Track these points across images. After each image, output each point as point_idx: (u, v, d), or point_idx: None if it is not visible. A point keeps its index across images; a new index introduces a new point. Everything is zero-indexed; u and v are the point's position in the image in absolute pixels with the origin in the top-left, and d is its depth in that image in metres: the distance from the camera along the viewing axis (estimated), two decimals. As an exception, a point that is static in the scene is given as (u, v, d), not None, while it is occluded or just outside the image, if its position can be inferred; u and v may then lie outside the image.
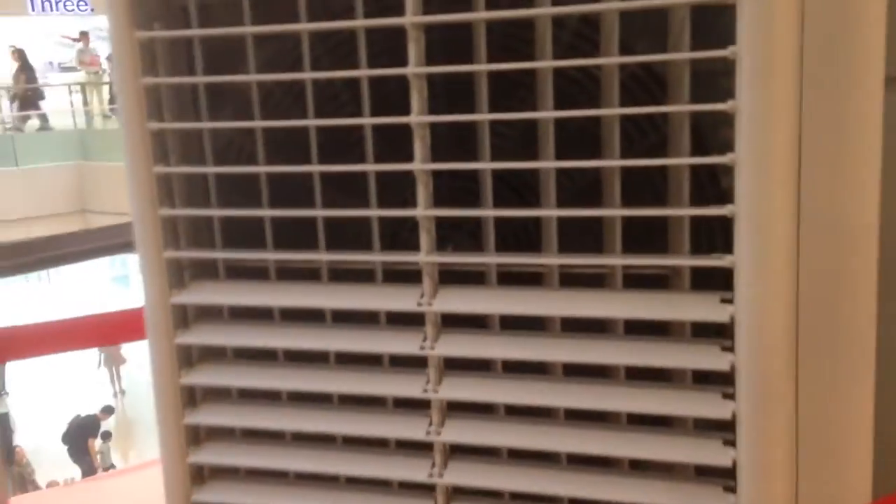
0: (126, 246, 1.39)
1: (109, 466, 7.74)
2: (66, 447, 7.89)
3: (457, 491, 0.70)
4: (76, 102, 13.06)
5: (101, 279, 11.73)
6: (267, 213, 0.69)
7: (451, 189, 0.71)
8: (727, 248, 0.62)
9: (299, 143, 0.69)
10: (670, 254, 0.63)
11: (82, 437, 7.86)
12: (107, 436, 8.06)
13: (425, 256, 0.66)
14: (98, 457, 7.92)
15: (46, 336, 1.05)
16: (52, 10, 14.78)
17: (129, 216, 0.71)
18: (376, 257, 0.68)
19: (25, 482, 7.24)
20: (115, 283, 12.15)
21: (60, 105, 13.00)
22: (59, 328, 1.07)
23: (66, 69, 14.64)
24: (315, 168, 0.67)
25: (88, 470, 7.51)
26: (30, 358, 1.05)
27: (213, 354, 0.74)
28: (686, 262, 0.60)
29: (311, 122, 0.66)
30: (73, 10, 14.85)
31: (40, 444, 8.30)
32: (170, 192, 0.70)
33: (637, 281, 0.64)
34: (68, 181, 11.88)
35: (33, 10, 14.62)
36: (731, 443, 0.62)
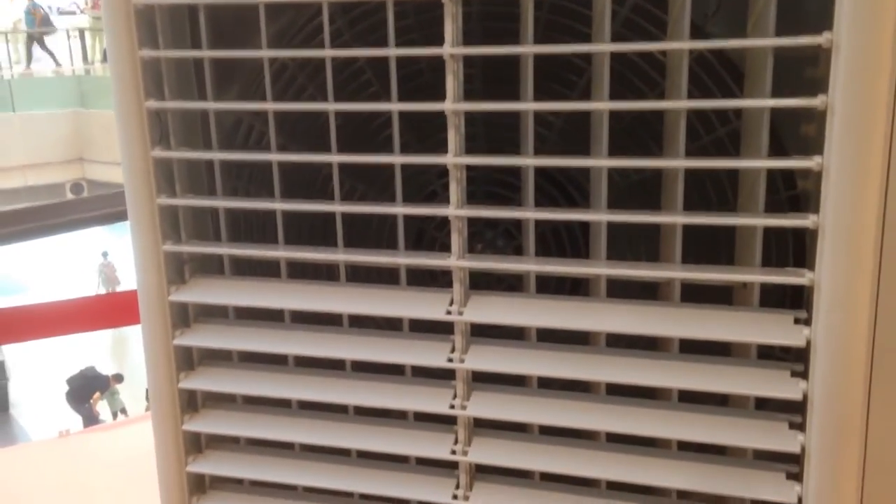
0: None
1: (121, 411, 7.68)
2: (66, 394, 7.86)
3: (480, 470, 0.63)
4: (75, 49, 12.84)
5: (118, 258, 11.55)
6: (278, 205, 0.61)
7: (486, 180, 0.63)
8: (799, 261, 0.55)
9: (316, 126, 0.61)
10: (737, 265, 0.55)
11: (88, 389, 7.81)
12: (119, 378, 7.95)
13: (456, 261, 0.58)
14: (106, 402, 7.85)
15: (47, 318, 0.99)
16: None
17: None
18: (401, 259, 0.60)
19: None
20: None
21: (59, 51, 12.78)
22: (50, 311, 1.00)
23: (64, 13, 14.37)
24: (334, 158, 0.59)
25: (88, 419, 7.50)
26: (28, 341, 0.99)
27: (217, 356, 0.67)
28: (759, 277, 0.53)
29: (331, 107, 0.58)
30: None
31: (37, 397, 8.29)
32: (170, 178, 0.62)
33: (696, 290, 0.57)
34: (66, 128, 11.72)
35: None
36: (796, 476, 0.55)
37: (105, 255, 10.13)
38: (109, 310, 1.04)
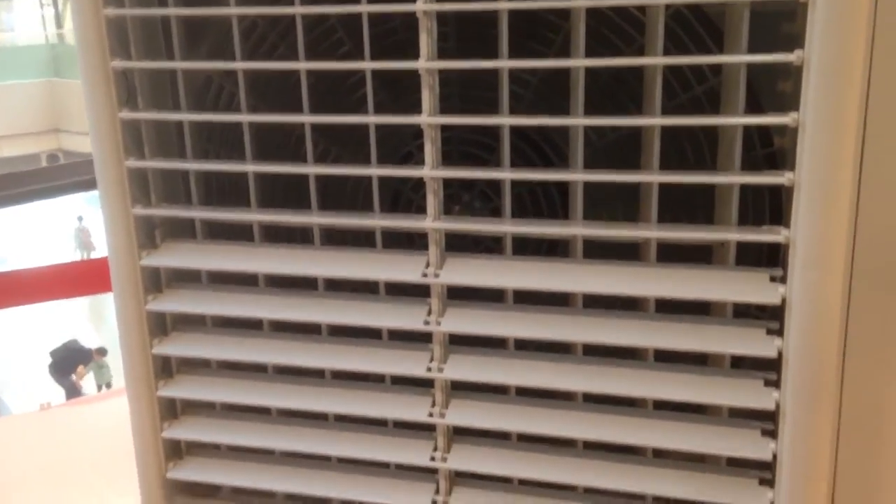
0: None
1: (106, 385, 7.65)
2: (49, 366, 7.80)
3: (460, 475, 0.64)
4: (48, 16, 12.58)
5: (93, 223, 11.46)
6: (250, 167, 0.60)
7: (461, 141, 0.62)
8: (776, 220, 0.54)
9: (288, 86, 0.59)
10: (714, 224, 0.55)
11: (70, 362, 7.76)
12: (103, 351, 7.89)
13: (432, 222, 0.57)
14: (91, 374, 7.80)
15: (25, 285, 0.97)
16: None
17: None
18: (376, 221, 0.59)
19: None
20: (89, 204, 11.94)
21: (30, 17, 12.51)
22: (37, 276, 0.99)
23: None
24: (306, 118, 0.58)
25: (71, 392, 7.46)
26: (6, 308, 0.97)
27: (191, 322, 0.66)
28: (735, 236, 0.53)
29: (302, 65, 0.56)
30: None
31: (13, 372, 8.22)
32: (139, 140, 0.61)
33: (673, 250, 0.57)
34: (40, 99, 11.53)
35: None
36: (770, 433, 0.56)
37: (80, 219, 10.09)
38: (87, 276, 1.02)
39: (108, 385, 7.65)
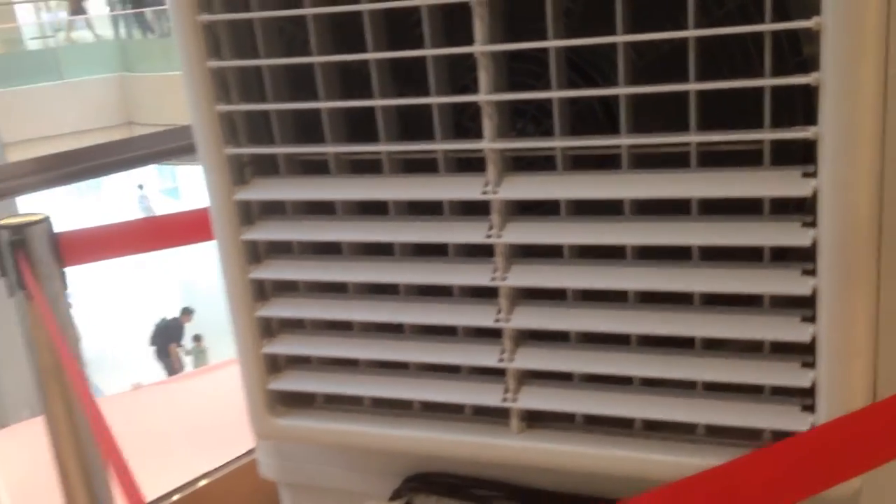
0: (171, 152, 1.39)
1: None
2: (153, 349, 8.21)
3: (526, 375, 0.70)
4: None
5: (152, 192, 11.96)
6: (323, 104, 0.68)
7: (512, 72, 0.68)
8: (809, 121, 0.59)
9: (353, 29, 0.66)
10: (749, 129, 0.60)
11: (166, 341, 8.15)
12: (197, 338, 8.26)
13: (489, 143, 0.64)
14: (190, 359, 8.16)
15: (112, 238, 1.07)
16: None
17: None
18: (438, 146, 0.66)
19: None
20: (166, 195, 12.38)
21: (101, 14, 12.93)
22: (123, 230, 1.09)
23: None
24: (371, 56, 0.65)
25: (171, 373, 7.82)
26: (96, 261, 1.07)
27: (281, 249, 0.74)
28: (765, 135, 0.57)
29: (365, 7, 0.63)
30: None
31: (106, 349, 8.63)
32: (225, 87, 0.69)
33: (718, 160, 0.61)
34: (112, 93, 11.93)
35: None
36: (811, 319, 0.60)
37: (141, 187, 10.57)
38: (175, 228, 1.12)
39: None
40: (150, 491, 1.34)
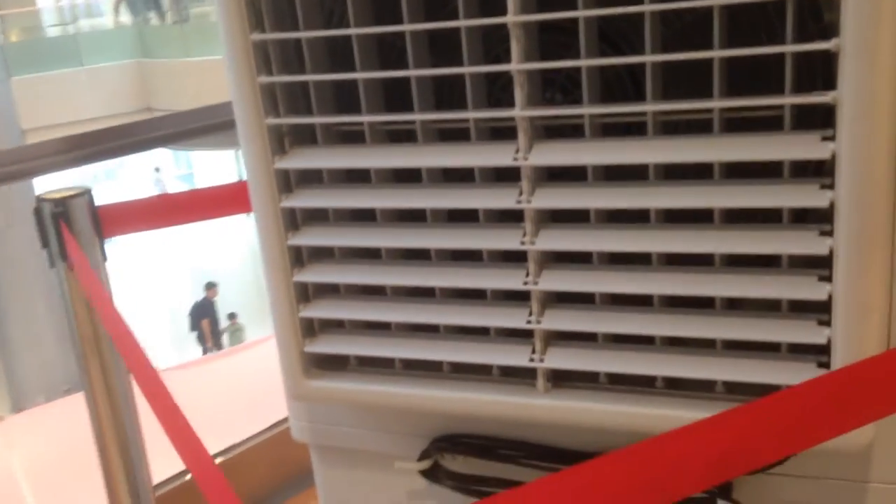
0: (186, 134, 1.43)
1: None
2: (194, 334, 8.33)
3: (553, 336, 0.73)
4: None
5: (167, 178, 12.07)
6: (360, 75, 0.71)
7: (542, 43, 0.71)
8: (829, 87, 0.61)
9: (390, 2, 0.69)
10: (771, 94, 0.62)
11: (198, 319, 8.25)
12: (232, 316, 8.34)
13: (520, 111, 0.66)
14: (225, 336, 8.24)
15: (149, 211, 1.11)
16: None
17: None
18: (470, 114, 0.69)
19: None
20: (181, 181, 12.49)
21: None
22: (160, 203, 1.12)
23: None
24: (406, 27, 0.68)
25: (205, 351, 7.94)
26: (133, 233, 1.11)
27: (317, 217, 0.78)
28: (786, 100, 0.60)
29: (403, -20, 0.66)
30: None
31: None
32: (267, 60, 0.72)
33: (740, 127, 0.64)
34: (131, 79, 12.00)
35: None
36: (827, 279, 0.63)
37: (157, 170, 10.68)
38: (210, 200, 1.15)
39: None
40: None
